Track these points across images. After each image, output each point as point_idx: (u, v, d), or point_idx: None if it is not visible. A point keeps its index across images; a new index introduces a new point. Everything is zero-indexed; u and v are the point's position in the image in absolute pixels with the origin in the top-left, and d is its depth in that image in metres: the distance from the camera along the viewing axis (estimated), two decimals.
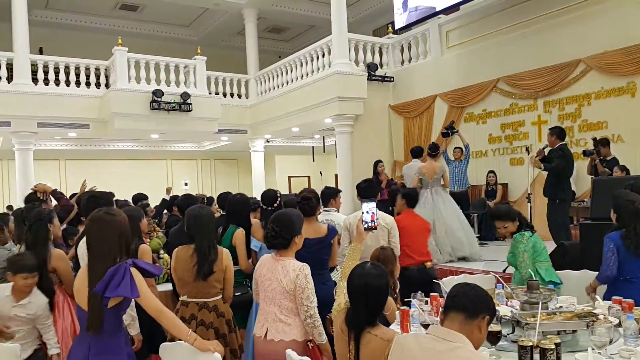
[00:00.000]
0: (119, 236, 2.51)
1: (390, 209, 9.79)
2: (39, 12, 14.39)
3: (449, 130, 9.08)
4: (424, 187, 7.43)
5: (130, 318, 3.39)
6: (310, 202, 4.13)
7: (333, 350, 3.81)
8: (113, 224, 2.53)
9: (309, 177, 18.06)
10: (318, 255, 4.03)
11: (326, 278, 4.14)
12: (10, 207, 10.95)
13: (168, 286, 4.55)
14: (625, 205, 3.57)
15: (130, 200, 7.33)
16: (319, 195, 5.29)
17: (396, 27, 11.48)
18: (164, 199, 8.78)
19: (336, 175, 12.45)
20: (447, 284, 4.02)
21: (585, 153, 7.26)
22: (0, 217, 4.95)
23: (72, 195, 5.52)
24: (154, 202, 9.35)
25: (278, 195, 4.49)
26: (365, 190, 4.71)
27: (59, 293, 3.56)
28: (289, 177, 18.27)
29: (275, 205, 4.39)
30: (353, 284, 2.43)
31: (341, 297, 2.71)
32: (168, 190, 8.64)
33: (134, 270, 2.45)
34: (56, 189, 5.02)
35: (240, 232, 4.25)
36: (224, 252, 3.46)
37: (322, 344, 2.98)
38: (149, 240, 5.51)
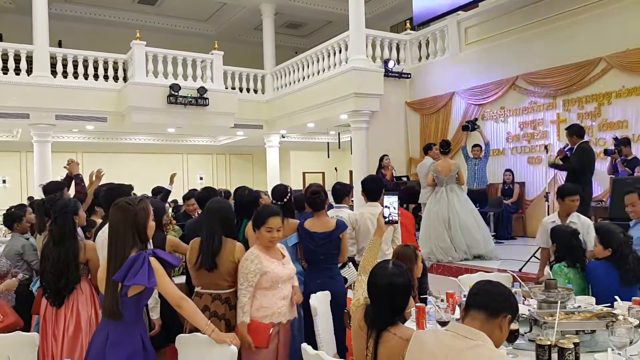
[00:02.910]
0: (131, 225, 2.53)
1: (404, 205, 9.81)
2: (58, 5, 14.53)
3: (470, 124, 8.98)
4: (439, 185, 7.38)
5: (154, 301, 3.42)
6: (320, 196, 4.14)
7: (343, 345, 3.84)
8: (129, 213, 2.55)
9: (323, 173, 18.04)
10: (326, 249, 4.05)
11: (335, 272, 4.16)
12: (31, 198, 11.08)
13: (182, 279, 4.58)
14: (620, 238, 3.56)
15: (148, 192, 7.35)
16: (332, 192, 5.31)
17: (414, 23, 11.41)
18: (167, 191, 8.11)
19: (351, 172, 12.43)
20: (463, 282, 4.00)
21: (607, 152, 7.17)
22: (18, 207, 5.04)
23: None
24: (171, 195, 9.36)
25: (288, 190, 4.49)
26: (372, 191, 4.65)
27: (85, 284, 3.60)
28: (304, 173, 18.27)
29: (285, 200, 4.38)
30: (377, 284, 2.39)
31: (360, 292, 2.70)
32: (172, 179, 7.85)
33: (153, 260, 2.47)
34: (79, 174, 5.13)
35: (251, 225, 4.26)
36: (237, 246, 3.44)
37: (238, 324, 3.22)
38: (165, 233, 5.54)
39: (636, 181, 6.21)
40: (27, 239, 4.81)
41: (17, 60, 10.78)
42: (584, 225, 4.47)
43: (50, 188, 4.90)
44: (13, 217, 4.90)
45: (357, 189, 9.66)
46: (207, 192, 5.20)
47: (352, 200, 9.03)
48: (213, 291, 3.41)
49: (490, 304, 2.03)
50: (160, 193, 7.60)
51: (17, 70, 10.75)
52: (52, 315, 3.48)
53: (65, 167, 5.39)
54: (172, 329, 3.53)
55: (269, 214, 3.35)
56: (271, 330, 3.19)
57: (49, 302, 3.49)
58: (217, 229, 3.42)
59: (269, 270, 3.23)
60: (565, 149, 6.79)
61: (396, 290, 2.35)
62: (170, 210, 7.52)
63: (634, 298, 3.05)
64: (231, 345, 2.60)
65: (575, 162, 6.46)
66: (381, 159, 9.67)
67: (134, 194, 5.07)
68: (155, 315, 3.50)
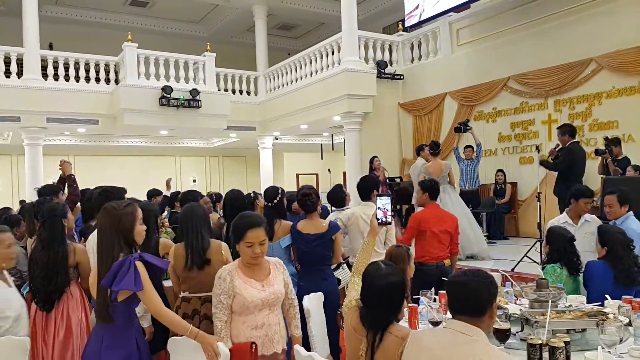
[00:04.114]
0: (116, 230, 2.53)
1: (398, 207, 9.82)
2: (49, 7, 14.48)
3: (462, 126, 9.02)
4: None
5: (143, 310, 3.39)
6: (311, 198, 4.15)
7: (336, 346, 3.83)
8: (114, 217, 2.55)
9: (317, 174, 18.06)
10: (319, 251, 4.05)
11: (328, 274, 4.16)
12: (22, 202, 11.01)
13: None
14: (617, 238, 3.60)
15: (142, 195, 7.35)
16: (327, 197, 5.35)
17: (406, 25, 11.44)
18: (164, 195, 8.34)
19: (344, 173, 12.44)
20: None
21: (598, 152, 7.22)
22: (2, 211, 4.96)
23: (84, 191, 5.57)
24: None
25: (279, 191, 4.53)
26: (364, 190, 4.71)
27: (75, 288, 3.57)
28: (297, 175, 18.27)
29: (276, 201, 4.42)
30: (373, 285, 2.39)
31: (353, 293, 2.70)
32: (168, 184, 8.02)
33: (139, 264, 2.47)
34: (72, 175, 5.08)
35: None
36: (223, 245, 3.47)
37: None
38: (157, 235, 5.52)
39: (627, 181, 6.25)
40: (22, 246, 4.76)
41: (8, 62, 10.71)
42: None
43: (45, 191, 4.86)
44: (11, 222, 4.82)
45: (353, 190, 9.65)
46: (188, 195, 5.26)
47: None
48: (202, 294, 3.39)
49: (470, 309, 2.05)
50: (156, 196, 7.62)
51: (8, 73, 10.68)
52: (42, 320, 3.44)
53: (59, 168, 5.34)
54: (169, 332, 3.52)
55: (248, 226, 2.78)
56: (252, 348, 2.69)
57: (38, 306, 3.46)
58: (205, 229, 3.45)
59: (237, 293, 2.76)
60: (556, 149, 6.82)
61: (393, 290, 2.37)
62: (165, 212, 7.51)
63: (624, 297, 3.07)
64: (219, 344, 2.58)
65: (560, 163, 6.51)
66: (371, 161, 9.67)
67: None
68: (145, 323, 3.47)
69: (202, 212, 3.56)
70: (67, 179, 5.19)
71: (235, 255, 3.48)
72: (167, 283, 4.54)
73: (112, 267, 2.43)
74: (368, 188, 4.70)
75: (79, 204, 5.25)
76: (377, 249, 4.25)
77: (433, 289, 3.47)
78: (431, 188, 4.87)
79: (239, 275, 2.79)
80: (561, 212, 6.56)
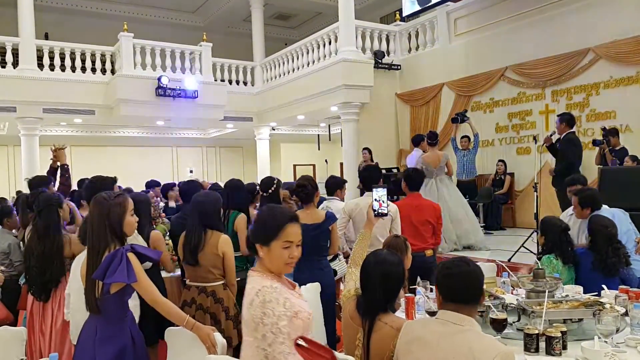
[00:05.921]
0: (105, 221, 2.51)
1: (395, 197, 9.82)
2: None
3: (459, 116, 9.00)
4: (427, 177, 7.38)
5: (131, 303, 3.39)
6: (306, 189, 4.14)
7: (332, 336, 3.85)
8: (103, 208, 2.52)
9: (314, 165, 18.02)
10: (315, 241, 4.04)
11: (324, 264, 4.16)
12: (19, 192, 10.97)
13: (176, 272, 4.55)
14: (598, 230, 3.68)
15: (138, 186, 7.33)
16: (325, 184, 5.35)
17: (404, 15, 11.38)
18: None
19: (341, 164, 12.42)
20: None
21: (595, 142, 7.22)
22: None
23: (80, 180, 5.52)
24: None
25: (274, 181, 4.56)
26: (367, 179, 4.69)
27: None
28: (294, 165, 18.23)
29: (271, 190, 4.44)
30: (370, 271, 2.42)
31: (351, 284, 2.72)
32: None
33: (131, 256, 2.45)
34: (66, 164, 4.99)
35: (241, 218, 4.29)
36: (221, 238, 3.46)
37: None
38: (154, 226, 5.51)
39: (624, 171, 6.26)
40: (16, 236, 4.73)
41: (3, 52, 10.65)
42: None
43: (36, 182, 4.81)
44: (3, 212, 4.81)
45: (350, 180, 9.66)
46: (188, 185, 5.21)
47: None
48: (200, 284, 3.44)
49: (471, 298, 2.08)
50: (155, 187, 7.61)
51: (3, 63, 10.62)
52: (39, 310, 3.45)
53: (51, 159, 5.07)
54: (164, 324, 3.52)
55: (287, 219, 2.09)
56: None
57: (34, 297, 3.46)
58: (197, 223, 3.46)
59: (300, 310, 1.98)
60: (551, 135, 6.79)
61: (389, 274, 2.39)
62: (162, 203, 7.49)
63: (620, 287, 3.08)
64: (217, 335, 2.59)
65: (571, 155, 6.47)
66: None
67: (119, 187, 5.00)
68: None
69: (211, 205, 3.57)
70: (60, 168, 5.07)
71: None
72: (164, 274, 4.55)
73: (103, 260, 2.41)
74: (369, 178, 4.68)
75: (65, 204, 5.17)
76: (380, 239, 4.26)
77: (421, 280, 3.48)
78: (409, 177, 4.86)
79: (286, 290, 2.03)
80: (560, 204, 6.59)
